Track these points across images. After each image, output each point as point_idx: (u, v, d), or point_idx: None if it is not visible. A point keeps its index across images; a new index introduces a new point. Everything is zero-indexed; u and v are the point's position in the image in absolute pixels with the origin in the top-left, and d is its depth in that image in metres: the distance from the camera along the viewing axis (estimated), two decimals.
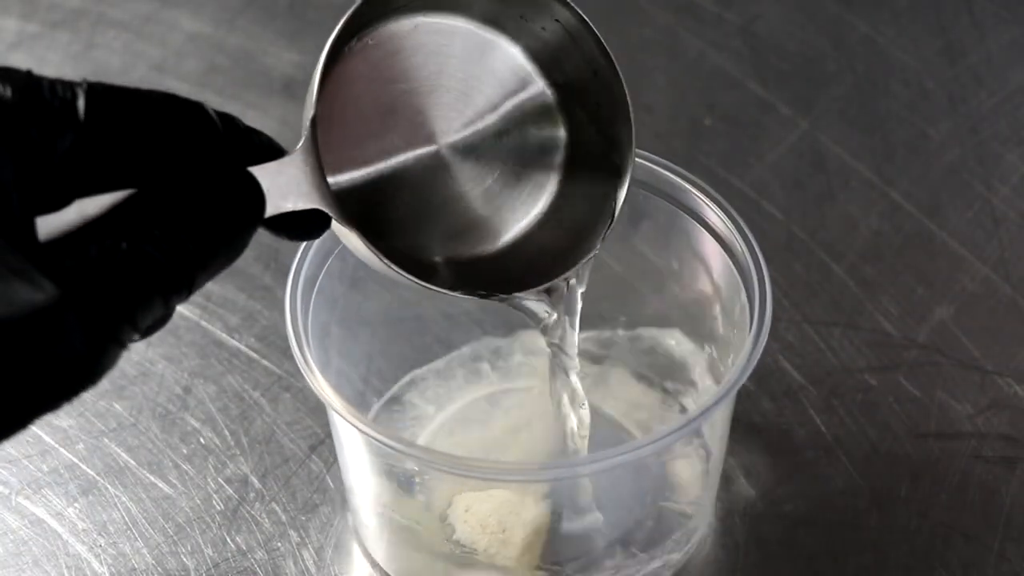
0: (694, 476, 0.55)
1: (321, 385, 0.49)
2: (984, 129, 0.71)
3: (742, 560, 0.56)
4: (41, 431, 0.60)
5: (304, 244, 0.53)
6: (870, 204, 0.68)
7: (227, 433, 0.60)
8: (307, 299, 0.52)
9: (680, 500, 0.55)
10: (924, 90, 0.73)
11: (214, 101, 0.72)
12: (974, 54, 0.74)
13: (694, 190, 0.54)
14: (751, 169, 0.69)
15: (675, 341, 0.58)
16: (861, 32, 0.76)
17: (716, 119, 0.72)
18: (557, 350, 0.51)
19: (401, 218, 0.49)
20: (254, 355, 0.62)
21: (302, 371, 0.50)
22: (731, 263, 0.53)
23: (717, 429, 0.54)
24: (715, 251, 0.54)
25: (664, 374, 0.59)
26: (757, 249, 0.52)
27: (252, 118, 0.72)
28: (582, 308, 0.60)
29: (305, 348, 0.50)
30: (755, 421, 0.60)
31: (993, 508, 0.57)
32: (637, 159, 0.55)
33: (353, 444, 0.52)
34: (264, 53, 0.75)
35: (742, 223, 0.53)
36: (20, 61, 0.74)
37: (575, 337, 0.51)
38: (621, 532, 0.54)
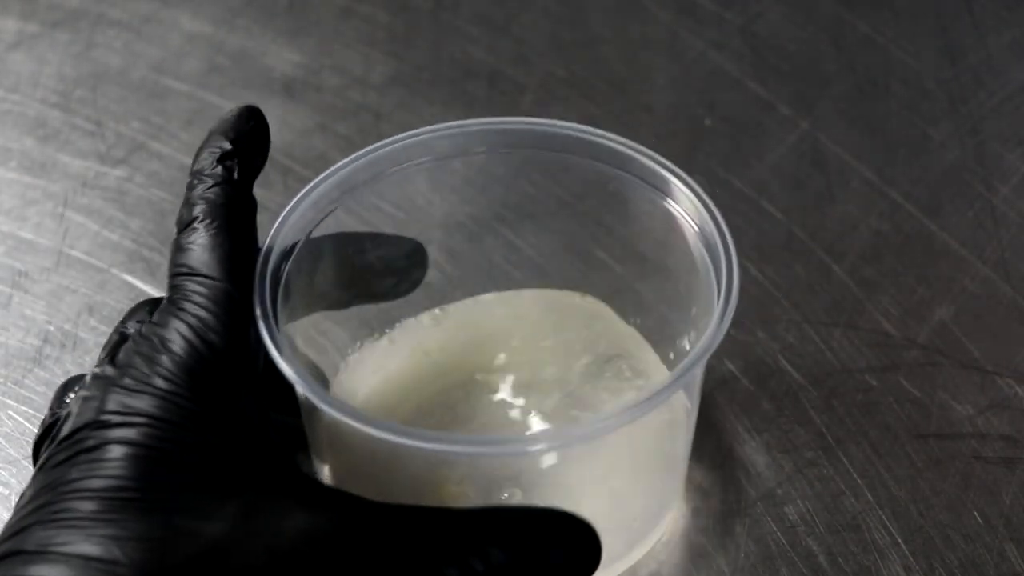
0: (662, 456, 0.54)
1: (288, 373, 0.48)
2: (984, 129, 0.71)
3: (742, 560, 0.56)
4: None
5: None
6: (870, 204, 0.68)
7: None
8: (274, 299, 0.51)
9: (646, 483, 0.54)
10: (924, 90, 0.73)
11: (214, 101, 0.72)
12: (974, 54, 0.74)
13: (662, 170, 0.53)
14: (751, 169, 0.69)
15: (660, 335, 0.58)
16: (861, 32, 0.75)
17: (716, 119, 0.72)
18: None
19: None
20: None
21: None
22: (696, 236, 0.52)
23: (688, 403, 0.53)
24: (684, 230, 0.53)
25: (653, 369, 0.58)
26: (721, 220, 0.50)
27: None
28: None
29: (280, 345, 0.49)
30: (755, 421, 0.60)
31: (993, 508, 0.57)
32: (624, 147, 0.54)
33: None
34: (264, 53, 0.75)
35: (708, 200, 0.52)
36: (20, 61, 0.74)
37: None
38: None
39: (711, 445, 0.58)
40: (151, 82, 0.74)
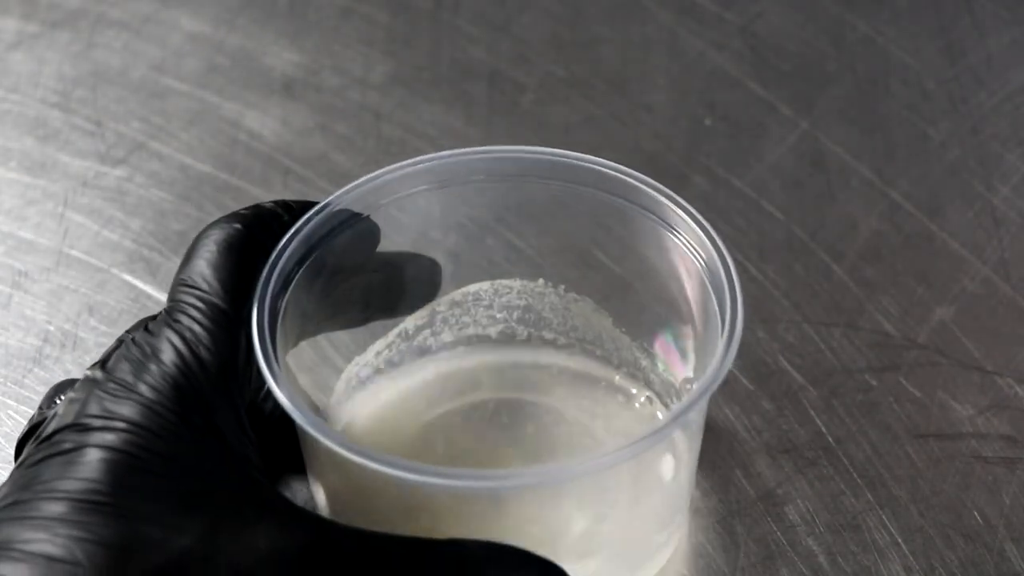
0: (663, 488, 0.54)
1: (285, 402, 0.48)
2: (985, 129, 0.71)
3: (742, 560, 0.56)
4: None
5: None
6: (870, 204, 0.68)
7: None
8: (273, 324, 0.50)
9: (647, 514, 0.54)
10: (924, 90, 0.73)
11: (214, 101, 0.72)
12: (974, 54, 0.74)
13: (658, 195, 0.53)
14: (751, 169, 0.69)
15: (654, 349, 0.57)
16: (861, 32, 0.75)
17: (716, 119, 0.72)
18: None
19: None
20: None
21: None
22: (701, 270, 0.51)
23: (689, 437, 0.52)
24: (684, 257, 0.52)
25: (642, 380, 0.58)
26: (725, 251, 0.50)
27: (252, 118, 0.72)
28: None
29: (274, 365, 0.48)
30: (755, 421, 0.60)
31: (993, 508, 0.57)
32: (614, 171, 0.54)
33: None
34: (264, 53, 0.75)
35: (704, 222, 0.51)
36: (20, 61, 0.74)
37: None
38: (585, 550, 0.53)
39: (711, 445, 0.58)
40: (151, 82, 0.74)
